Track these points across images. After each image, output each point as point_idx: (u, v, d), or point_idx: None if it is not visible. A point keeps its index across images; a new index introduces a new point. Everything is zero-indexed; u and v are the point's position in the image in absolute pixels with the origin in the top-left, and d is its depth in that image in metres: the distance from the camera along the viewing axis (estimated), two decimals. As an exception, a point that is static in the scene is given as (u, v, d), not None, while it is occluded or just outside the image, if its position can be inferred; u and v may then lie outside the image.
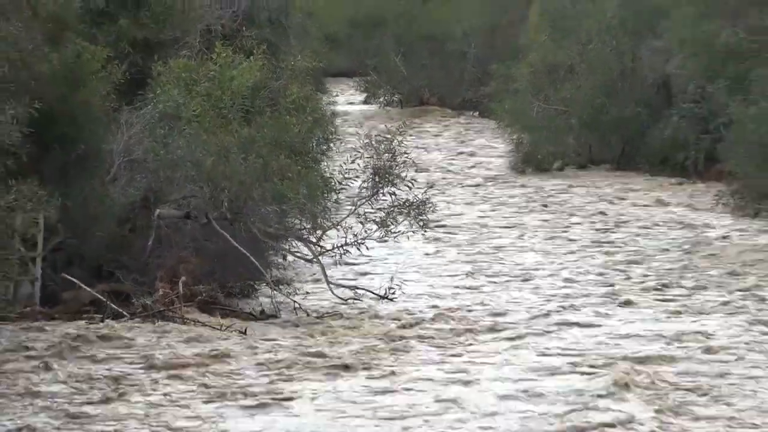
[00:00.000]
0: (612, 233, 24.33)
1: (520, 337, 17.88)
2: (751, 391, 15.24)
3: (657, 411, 14.55)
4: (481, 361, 16.48)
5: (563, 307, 19.37)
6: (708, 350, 17.18)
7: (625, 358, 16.52)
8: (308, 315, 18.18)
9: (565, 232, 24.54)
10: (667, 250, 22.64)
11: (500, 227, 24.92)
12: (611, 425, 14.16)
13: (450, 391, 15.17)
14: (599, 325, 18.38)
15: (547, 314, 18.94)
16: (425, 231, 19.67)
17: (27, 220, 15.85)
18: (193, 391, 14.79)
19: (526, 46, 31.27)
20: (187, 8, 20.97)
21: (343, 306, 18.70)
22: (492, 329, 18.12)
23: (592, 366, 16.20)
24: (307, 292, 18.93)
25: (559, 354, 16.89)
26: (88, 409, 14.03)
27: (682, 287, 20.37)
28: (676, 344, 17.45)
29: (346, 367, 15.57)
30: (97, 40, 17.70)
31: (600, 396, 14.97)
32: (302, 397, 14.73)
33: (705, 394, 15.27)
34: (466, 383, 15.52)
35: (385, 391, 15.02)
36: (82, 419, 13.84)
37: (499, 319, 18.58)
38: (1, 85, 14.08)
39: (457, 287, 20.35)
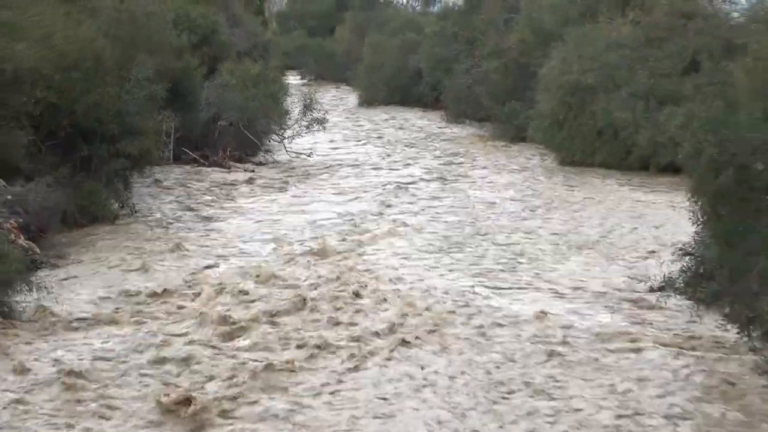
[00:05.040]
0: (388, 128, 24.29)
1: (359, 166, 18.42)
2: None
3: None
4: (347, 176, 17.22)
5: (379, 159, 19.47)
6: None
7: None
8: (276, 164, 18.62)
9: (384, 125, 24.45)
10: (420, 135, 22.74)
11: (352, 126, 24.80)
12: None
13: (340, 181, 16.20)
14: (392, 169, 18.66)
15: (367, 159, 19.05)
16: (325, 128, 20.06)
17: (167, 126, 16.23)
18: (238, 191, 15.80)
19: (367, 58, 29.95)
20: (229, 42, 21.47)
21: (292, 160, 19.02)
22: (351, 165, 18.57)
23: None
24: (276, 155, 19.23)
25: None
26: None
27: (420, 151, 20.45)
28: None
29: (286, 187, 16.08)
30: (194, 56, 17.73)
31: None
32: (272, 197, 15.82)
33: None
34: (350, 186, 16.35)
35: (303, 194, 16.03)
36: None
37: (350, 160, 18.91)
38: (158, 74, 13.96)
39: (337, 150, 20.49)
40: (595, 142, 17.51)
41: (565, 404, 6.60)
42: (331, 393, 6.81)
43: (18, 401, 6.53)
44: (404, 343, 7.77)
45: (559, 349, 7.68)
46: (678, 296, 8.22)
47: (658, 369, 7.23)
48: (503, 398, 6.71)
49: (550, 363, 7.40)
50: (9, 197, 10.51)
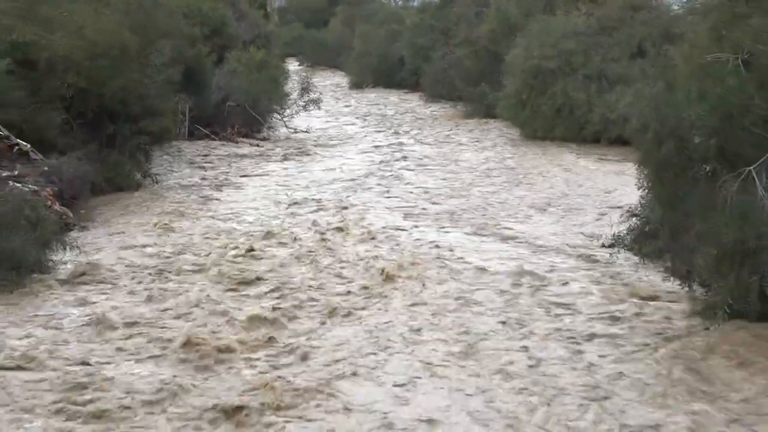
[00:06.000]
0: (375, 107, 23.80)
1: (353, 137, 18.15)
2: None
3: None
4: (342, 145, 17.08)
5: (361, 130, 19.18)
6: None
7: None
8: (278, 138, 18.34)
9: (372, 105, 24.07)
10: (403, 113, 22.47)
11: (343, 102, 24.65)
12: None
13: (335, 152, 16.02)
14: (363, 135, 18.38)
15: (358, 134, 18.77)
16: (320, 108, 19.97)
17: (183, 107, 16.10)
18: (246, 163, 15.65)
19: (357, 47, 29.51)
20: (236, 33, 21.21)
21: (291, 135, 18.79)
22: (346, 137, 18.35)
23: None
24: (278, 131, 18.94)
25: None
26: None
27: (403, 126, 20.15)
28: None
29: (287, 157, 15.89)
30: (206, 45, 17.48)
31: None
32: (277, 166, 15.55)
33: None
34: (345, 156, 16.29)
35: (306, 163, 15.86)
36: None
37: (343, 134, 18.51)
38: (175, 61, 13.91)
39: (331, 126, 20.09)
40: (554, 118, 17.51)
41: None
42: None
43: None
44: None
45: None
46: (626, 252, 8.19)
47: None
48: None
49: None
50: (45, 168, 10.55)
